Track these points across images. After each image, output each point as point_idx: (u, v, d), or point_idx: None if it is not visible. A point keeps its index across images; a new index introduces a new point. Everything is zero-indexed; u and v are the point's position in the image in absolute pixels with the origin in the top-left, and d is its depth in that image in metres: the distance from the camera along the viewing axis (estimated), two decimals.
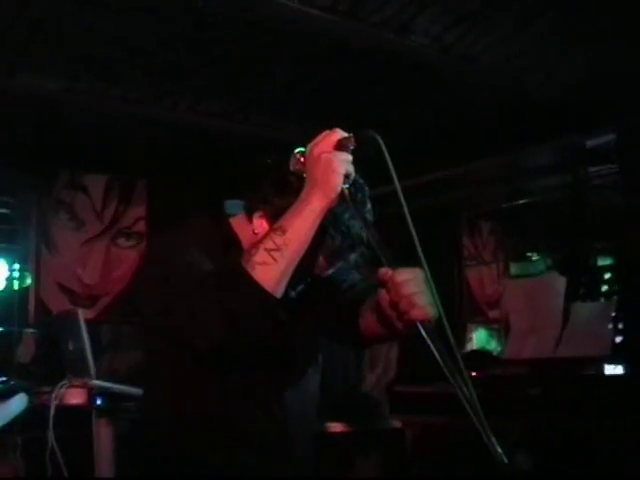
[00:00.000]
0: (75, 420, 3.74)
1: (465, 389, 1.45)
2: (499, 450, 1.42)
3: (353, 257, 1.76)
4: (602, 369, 3.74)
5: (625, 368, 3.63)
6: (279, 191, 1.75)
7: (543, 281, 3.88)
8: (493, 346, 6.77)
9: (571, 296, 3.62)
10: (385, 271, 1.56)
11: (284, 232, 1.58)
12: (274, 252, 1.56)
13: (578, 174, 5.23)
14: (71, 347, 3.98)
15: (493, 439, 1.43)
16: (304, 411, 1.89)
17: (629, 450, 3.22)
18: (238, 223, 1.85)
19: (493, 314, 7.08)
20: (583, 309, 3.53)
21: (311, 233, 1.60)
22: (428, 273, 1.55)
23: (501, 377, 3.83)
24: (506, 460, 1.42)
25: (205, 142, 5.49)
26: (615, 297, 3.51)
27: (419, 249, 1.57)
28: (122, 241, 6.25)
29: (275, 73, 4.40)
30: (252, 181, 1.84)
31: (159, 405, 1.83)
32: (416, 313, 1.50)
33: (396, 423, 4.69)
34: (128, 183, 6.30)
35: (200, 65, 4.32)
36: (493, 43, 4.16)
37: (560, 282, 3.64)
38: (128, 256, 6.26)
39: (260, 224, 1.78)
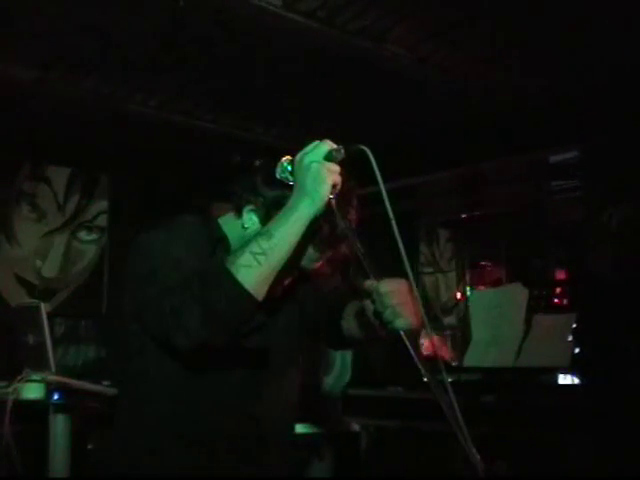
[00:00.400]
0: (32, 415, 3.69)
1: (446, 396, 1.49)
2: (477, 456, 1.45)
3: (343, 247, 1.77)
4: (556, 379, 3.81)
5: (580, 379, 3.70)
6: (268, 183, 1.77)
7: (505, 292, 3.94)
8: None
9: (532, 308, 3.68)
10: (370, 282, 1.59)
11: (271, 237, 1.60)
12: (259, 256, 1.59)
13: (540, 188, 5.32)
14: (31, 341, 3.93)
15: (471, 445, 1.46)
16: (283, 411, 1.90)
17: (577, 458, 3.29)
18: (227, 222, 1.87)
19: (448, 321, 7.18)
20: (544, 321, 3.59)
21: (297, 239, 1.62)
22: (414, 283, 1.59)
23: (453, 384, 3.87)
24: (483, 466, 1.46)
25: (173, 140, 5.47)
26: (575, 310, 3.58)
27: (405, 259, 1.61)
28: (83, 235, 6.19)
29: (248, 75, 4.40)
30: (240, 176, 1.85)
31: (135, 404, 1.84)
32: (399, 323, 1.54)
33: (353, 426, 4.71)
34: (91, 177, 6.24)
35: (174, 63, 4.30)
36: (465, 57, 4.23)
37: (522, 293, 3.70)
38: (89, 250, 6.20)
39: (249, 218, 1.80)
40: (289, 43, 3.91)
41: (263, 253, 1.59)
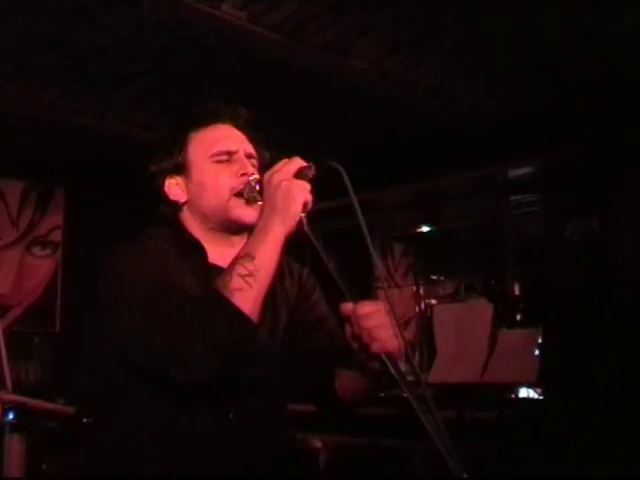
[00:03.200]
0: None
1: (430, 415, 1.47)
2: (464, 473, 1.43)
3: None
4: (517, 393, 3.84)
5: (542, 393, 3.74)
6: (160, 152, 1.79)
7: (471, 307, 3.96)
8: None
9: (497, 323, 3.70)
10: (347, 305, 1.56)
11: (253, 258, 1.56)
12: (247, 277, 1.54)
13: (499, 202, 5.37)
14: None
15: (458, 462, 1.44)
16: (270, 425, 1.84)
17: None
18: (190, 225, 1.82)
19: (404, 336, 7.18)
20: (510, 336, 3.61)
21: (277, 258, 1.58)
22: (387, 304, 1.56)
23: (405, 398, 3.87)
24: None
25: (130, 154, 5.40)
26: (540, 325, 3.61)
27: (381, 273, 1.58)
28: (37, 250, 6.06)
29: (209, 88, 4.37)
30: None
31: (115, 423, 1.76)
32: (378, 346, 1.51)
33: (315, 443, 4.68)
34: (46, 191, 6.12)
35: (133, 75, 4.25)
36: (427, 71, 4.26)
37: (487, 309, 3.72)
38: (42, 266, 6.07)
39: (172, 191, 1.78)
40: (253, 56, 3.89)
41: (250, 275, 1.54)
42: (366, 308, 1.53)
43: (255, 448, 1.74)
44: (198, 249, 1.76)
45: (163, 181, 1.78)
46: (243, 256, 1.57)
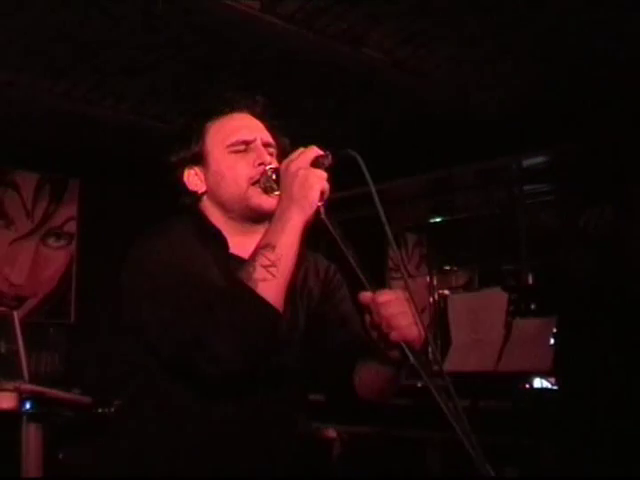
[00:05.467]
0: (2, 425, 3.62)
1: (451, 404, 1.46)
2: (487, 465, 1.43)
3: None
4: (532, 382, 3.83)
5: (556, 383, 3.73)
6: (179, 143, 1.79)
7: (485, 296, 3.95)
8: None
9: (512, 312, 3.70)
10: (366, 293, 1.55)
11: (274, 248, 1.56)
12: (270, 268, 1.54)
13: (512, 192, 5.35)
14: (2, 349, 3.87)
15: (481, 453, 1.43)
16: (288, 418, 1.84)
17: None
18: (210, 216, 1.82)
19: None
20: (525, 325, 3.60)
21: (297, 247, 1.58)
22: (408, 293, 1.56)
23: (427, 388, 3.87)
24: (493, 474, 1.43)
25: (143, 144, 5.41)
26: (554, 314, 3.59)
27: (402, 265, 1.58)
28: (52, 241, 6.09)
29: (223, 79, 4.37)
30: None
31: (139, 416, 1.76)
32: (398, 334, 1.50)
33: (330, 432, 4.69)
34: (60, 182, 6.15)
35: (147, 66, 4.25)
36: (441, 61, 4.25)
37: (501, 298, 3.72)
38: (57, 256, 6.10)
39: (191, 182, 1.78)
40: (267, 46, 3.89)
41: (273, 265, 1.54)
42: (386, 296, 1.52)
43: (273, 440, 1.74)
44: (219, 239, 1.77)
45: (182, 172, 1.79)
46: (264, 246, 1.57)
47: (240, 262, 1.63)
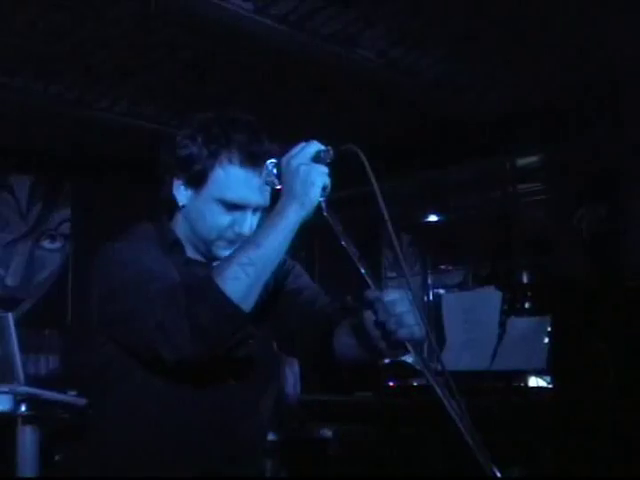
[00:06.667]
0: None
1: (454, 403, 1.47)
2: (492, 464, 1.43)
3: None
4: (526, 381, 3.83)
5: (551, 381, 3.73)
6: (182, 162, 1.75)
7: (479, 295, 3.95)
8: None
9: (506, 311, 3.70)
10: (372, 291, 1.56)
11: (258, 246, 1.56)
12: (247, 267, 1.54)
13: (507, 191, 5.35)
14: None
15: (485, 451, 1.44)
16: (259, 426, 1.88)
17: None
18: (176, 222, 1.84)
19: None
20: (519, 324, 3.61)
21: (285, 246, 1.58)
22: (411, 293, 1.57)
23: (419, 387, 3.87)
24: (498, 474, 1.43)
25: (138, 146, 5.42)
26: (549, 313, 3.60)
27: (403, 264, 1.59)
28: (46, 243, 6.09)
29: (217, 80, 4.37)
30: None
31: (107, 416, 1.80)
32: (404, 332, 1.51)
33: (325, 432, 4.69)
34: (55, 184, 6.14)
35: (141, 67, 4.26)
36: (433, 61, 4.26)
37: (496, 297, 3.72)
38: (52, 258, 6.10)
39: (180, 193, 1.76)
40: (260, 47, 3.89)
41: (251, 264, 1.54)
42: (392, 295, 1.53)
43: (238, 426, 1.79)
44: (178, 246, 1.79)
45: (174, 176, 1.77)
46: (250, 242, 1.57)
47: (199, 265, 1.71)
